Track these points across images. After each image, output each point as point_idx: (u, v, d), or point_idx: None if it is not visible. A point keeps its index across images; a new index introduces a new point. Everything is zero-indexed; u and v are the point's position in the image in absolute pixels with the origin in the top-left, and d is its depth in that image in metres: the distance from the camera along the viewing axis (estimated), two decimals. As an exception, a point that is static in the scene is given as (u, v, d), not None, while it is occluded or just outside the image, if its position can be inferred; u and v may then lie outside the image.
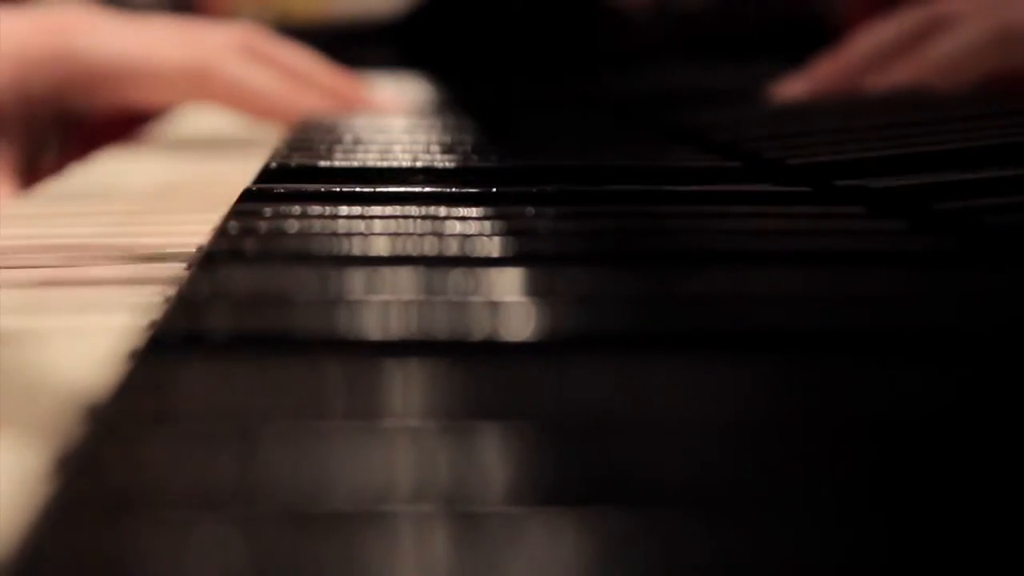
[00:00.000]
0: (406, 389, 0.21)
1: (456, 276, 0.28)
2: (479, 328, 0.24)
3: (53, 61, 0.70)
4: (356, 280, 0.28)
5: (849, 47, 0.79)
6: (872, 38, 0.79)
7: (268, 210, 0.35)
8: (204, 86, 0.71)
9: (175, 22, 0.77)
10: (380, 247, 0.31)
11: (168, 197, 0.52)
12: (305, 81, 0.75)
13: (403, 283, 0.28)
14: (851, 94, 0.76)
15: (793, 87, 0.79)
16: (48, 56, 0.70)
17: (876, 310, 0.27)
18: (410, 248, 0.31)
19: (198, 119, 0.89)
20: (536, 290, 0.27)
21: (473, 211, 0.35)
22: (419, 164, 0.49)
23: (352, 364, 0.22)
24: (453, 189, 0.41)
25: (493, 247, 0.31)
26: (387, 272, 0.28)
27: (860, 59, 0.78)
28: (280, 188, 0.40)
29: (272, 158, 0.50)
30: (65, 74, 0.70)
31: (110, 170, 0.62)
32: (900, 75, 0.75)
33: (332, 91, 0.76)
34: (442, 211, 0.36)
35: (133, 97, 0.72)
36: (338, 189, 0.41)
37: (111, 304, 0.29)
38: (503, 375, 0.22)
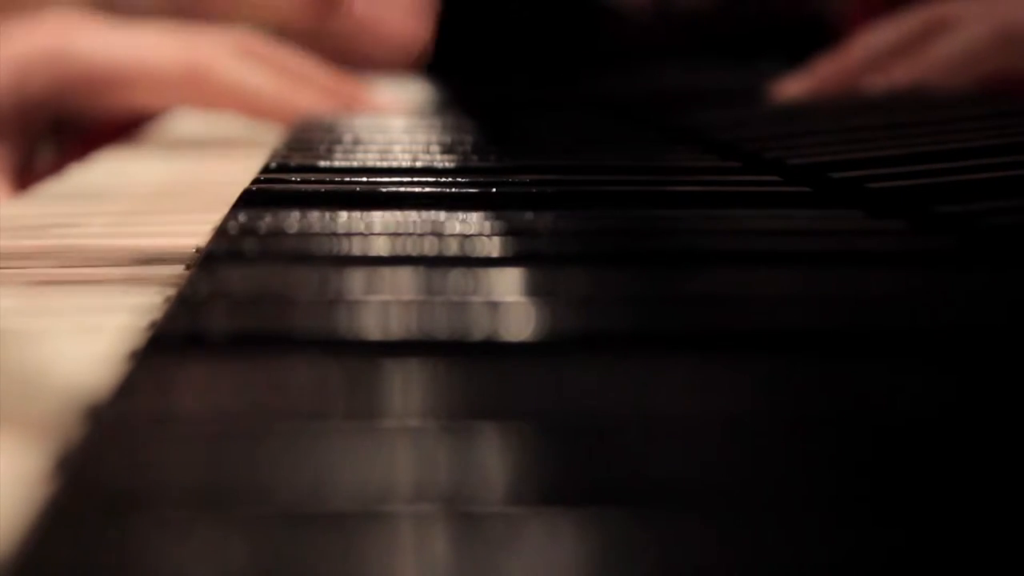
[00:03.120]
0: (406, 389, 0.21)
1: (456, 276, 0.28)
2: (479, 328, 0.24)
3: (50, 64, 0.70)
4: (356, 280, 0.28)
5: (850, 47, 0.79)
6: (873, 39, 0.79)
7: (268, 210, 0.35)
8: (200, 88, 0.71)
9: (171, 27, 0.77)
10: (380, 247, 0.31)
11: (168, 197, 0.52)
12: (303, 81, 0.75)
13: (403, 283, 0.28)
14: (851, 94, 0.76)
15: (793, 87, 0.79)
16: (45, 59, 0.70)
17: (876, 310, 0.27)
18: (410, 248, 0.31)
19: (198, 119, 0.89)
20: (536, 290, 0.27)
21: (473, 211, 0.35)
22: (419, 164, 0.49)
23: (352, 364, 0.22)
24: (453, 189, 0.41)
25: (493, 247, 0.31)
26: (387, 272, 0.28)
27: (860, 60, 0.78)
28: (280, 188, 0.40)
29: (272, 158, 0.50)
30: (62, 77, 0.70)
31: (110, 170, 0.62)
32: (900, 76, 0.75)
33: (330, 91, 0.76)
34: (442, 212, 0.36)
35: (130, 99, 0.72)
36: (338, 189, 0.41)
37: (111, 304, 0.29)
38: (503, 375, 0.22)
